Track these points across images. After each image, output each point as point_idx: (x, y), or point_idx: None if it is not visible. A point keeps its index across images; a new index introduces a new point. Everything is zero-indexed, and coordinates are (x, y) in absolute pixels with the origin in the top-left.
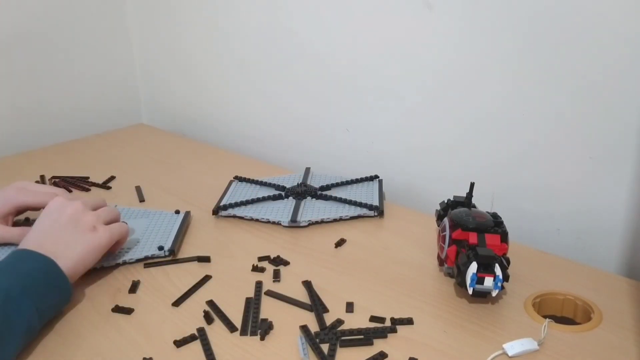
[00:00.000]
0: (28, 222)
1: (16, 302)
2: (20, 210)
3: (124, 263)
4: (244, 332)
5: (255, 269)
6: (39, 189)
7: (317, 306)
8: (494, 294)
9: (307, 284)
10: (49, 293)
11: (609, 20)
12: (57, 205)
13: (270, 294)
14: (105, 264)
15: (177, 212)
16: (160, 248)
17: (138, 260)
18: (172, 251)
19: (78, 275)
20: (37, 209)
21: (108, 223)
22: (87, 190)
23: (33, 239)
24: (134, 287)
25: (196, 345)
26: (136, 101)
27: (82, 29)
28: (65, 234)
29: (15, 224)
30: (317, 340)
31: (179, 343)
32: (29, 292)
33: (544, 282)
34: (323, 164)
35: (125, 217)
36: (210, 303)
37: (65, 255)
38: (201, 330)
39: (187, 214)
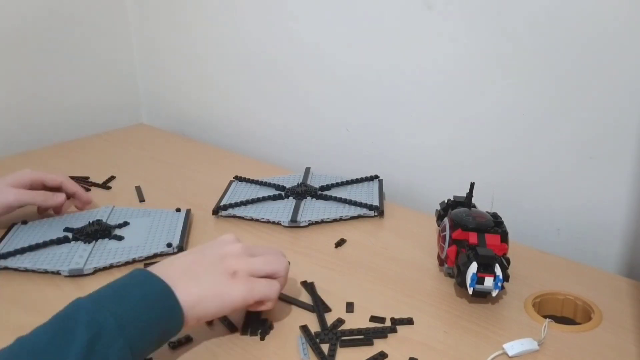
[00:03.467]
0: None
1: (108, 340)
2: (34, 186)
3: (133, 261)
4: (244, 332)
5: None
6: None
7: (318, 306)
8: (494, 294)
9: (308, 284)
10: (152, 329)
11: (609, 20)
12: (223, 240)
13: None
14: (114, 262)
15: (178, 210)
16: (169, 245)
17: (147, 258)
18: (181, 247)
19: (190, 321)
20: (53, 187)
21: (261, 277)
22: (87, 190)
23: (172, 266)
24: None
25: (196, 345)
26: (136, 100)
27: (82, 28)
28: (200, 265)
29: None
30: (317, 340)
31: (176, 344)
32: (127, 329)
33: (544, 282)
34: (323, 164)
35: (126, 217)
36: None
37: (186, 288)
38: (201, 330)
39: (188, 212)
